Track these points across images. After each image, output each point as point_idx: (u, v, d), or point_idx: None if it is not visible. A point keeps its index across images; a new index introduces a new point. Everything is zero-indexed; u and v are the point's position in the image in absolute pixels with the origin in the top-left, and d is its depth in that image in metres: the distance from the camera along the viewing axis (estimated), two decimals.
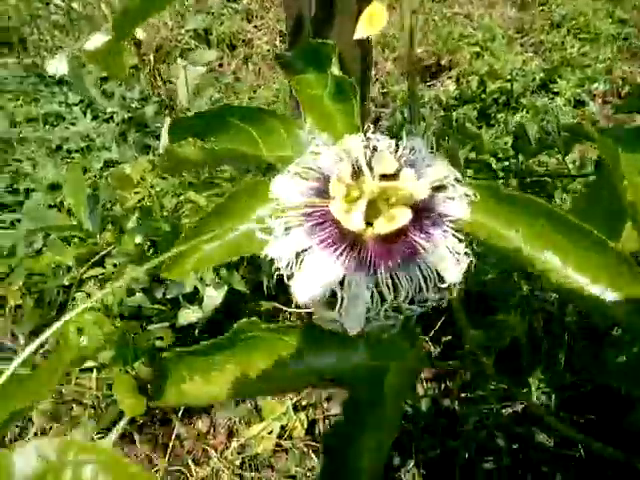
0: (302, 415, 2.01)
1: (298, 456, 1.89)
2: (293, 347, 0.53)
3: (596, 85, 2.88)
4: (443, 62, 3.03)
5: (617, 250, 0.43)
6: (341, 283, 0.47)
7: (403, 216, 0.48)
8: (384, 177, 0.52)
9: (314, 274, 0.47)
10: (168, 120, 2.08)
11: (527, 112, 2.69)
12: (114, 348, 1.82)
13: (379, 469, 0.46)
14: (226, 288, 1.95)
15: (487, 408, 1.71)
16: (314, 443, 1.89)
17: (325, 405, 2.06)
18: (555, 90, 2.82)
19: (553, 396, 1.65)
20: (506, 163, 2.49)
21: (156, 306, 1.96)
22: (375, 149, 0.56)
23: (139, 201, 2.09)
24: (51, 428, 1.86)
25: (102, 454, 0.36)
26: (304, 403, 2.07)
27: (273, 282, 1.94)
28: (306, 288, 0.47)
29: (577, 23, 3.07)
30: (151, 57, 1.96)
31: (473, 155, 2.21)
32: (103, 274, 1.88)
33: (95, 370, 1.86)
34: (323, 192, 0.53)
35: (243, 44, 3.39)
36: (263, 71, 3.22)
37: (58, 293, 2.04)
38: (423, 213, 0.50)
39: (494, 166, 2.35)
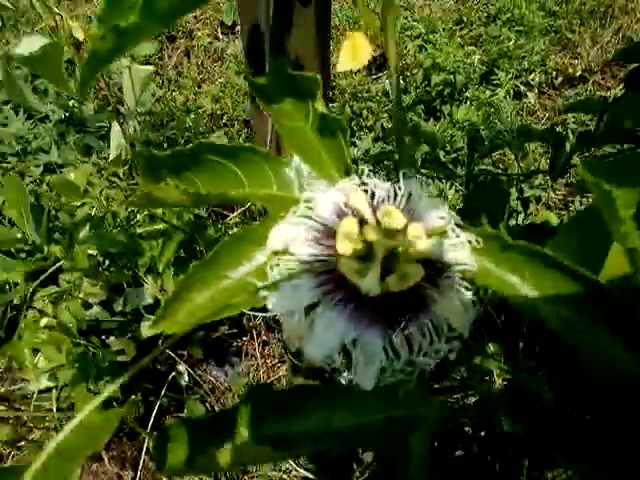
0: None
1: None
2: (300, 406, 0.52)
3: (532, 76, 3.02)
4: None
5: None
6: (353, 342, 0.45)
7: (416, 274, 0.47)
8: (391, 232, 0.51)
9: (325, 333, 0.45)
10: (116, 125, 1.99)
11: (471, 104, 2.78)
12: (74, 366, 1.76)
13: None
14: None
15: (453, 398, 1.79)
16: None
17: None
18: (495, 82, 2.92)
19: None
20: (454, 155, 2.57)
21: (116, 318, 1.89)
22: (373, 195, 0.54)
23: (89, 209, 2.00)
24: (10, 454, 1.78)
25: None
26: None
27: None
28: (319, 347, 0.45)
29: (512, 16, 3.18)
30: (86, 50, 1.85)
31: (425, 148, 2.27)
32: (57, 291, 1.80)
33: (55, 390, 1.78)
34: (326, 243, 0.50)
35: (183, 36, 3.28)
36: (206, 64, 3.13)
37: (5, 312, 1.93)
38: (430, 264, 0.49)
39: (443, 159, 2.42)
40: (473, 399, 1.88)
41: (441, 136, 2.63)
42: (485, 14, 3.26)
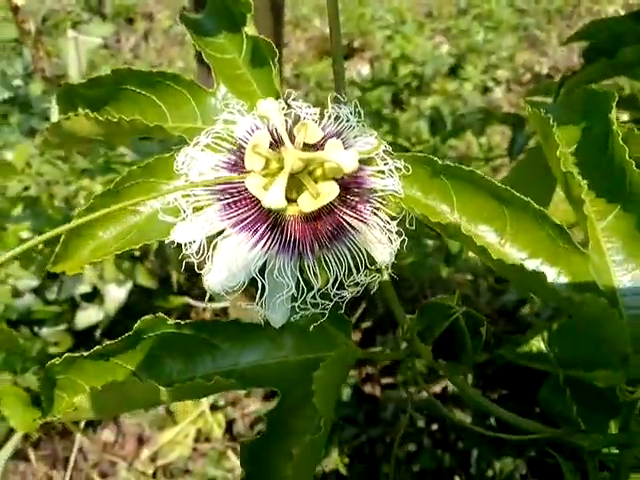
0: (219, 415, 1.91)
1: (216, 458, 1.78)
2: (207, 345, 0.45)
3: (500, 72, 2.98)
4: (356, 44, 2.99)
5: (555, 222, 0.40)
6: (261, 270, 0.41)
7: (330, 191, 0.42)
8: (308, 148, 0.45)
9: (229, 261, 0.41)
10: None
11: (439, 97, 2.72)
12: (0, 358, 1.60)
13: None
14: (130, 285, 1.78)
15: (407, 392, 1.71)
16: (233, 443, 1.80)
17: (244, 402, 1.97)
18: (463, 76, 2.87)
19: (470, 376, 1.67)
20: (420, 147, 2.50)
21: (50, 308, 1.74)
22: (297, 118, 0.49)
23: (25, 189, 1.85)
24: None
25: None
26: (221, 402, 1.96)
27: (184, 275, 1.80)
28: (221, 277, 0.41)
29: (482, 11, 3.15)
30: (32, 27, 1.71)
31: (389, 139, 2.19)
32: None
33: None
34: (238, 166, 0.45)
35: (142, 18, 3.14)
36: (165, 48, 3.00)
37: None
38: (351, 188, 0.45)
39: (409, 149, 2.35)
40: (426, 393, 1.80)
41: (407, 127, 2.55)
42: (455, 8, 3.22)
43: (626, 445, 0.45)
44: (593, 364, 0.52)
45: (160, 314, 0.44)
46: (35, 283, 1.72)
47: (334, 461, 1.71)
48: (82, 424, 1.71)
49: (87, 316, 1.73)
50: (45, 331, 1.74)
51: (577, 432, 0.46)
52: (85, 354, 0.44)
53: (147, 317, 0.44)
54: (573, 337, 0.57)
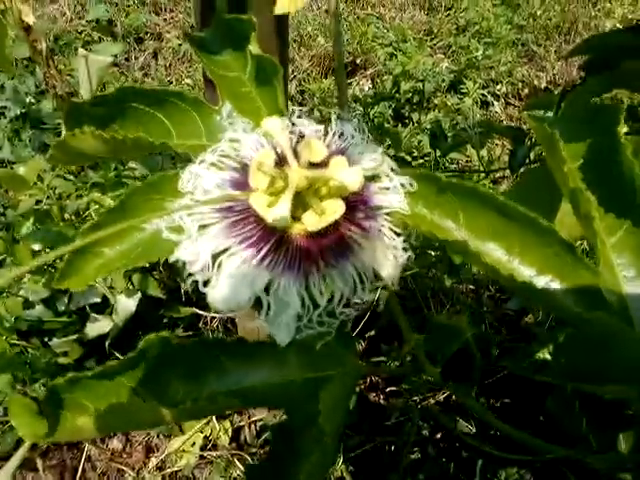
0: (226, 423, 1.93)
1: (223, 466, 1.80)
2: (212, 364, 0.46)
3: (499, 87, 3.04)
4: (358, 61, 3.05)
5: (563, 239, 0.40)
6: (266, 289, 0.41)
7: (335, 209, 0.42)
8: (312, 166, 0.46)
9: (234, 279, 0.41)
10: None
11: (439, 112, 2.78)
12: (9, 368, 1.64)
13: None
14: (139, 295, 1.81)
15: (412, 400, 1.73)
16: (240, 452, 1.81)
17: (250, 410, 1.99)
18: (463, 91, 2.93)
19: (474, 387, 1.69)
20: (421, 160, 2.55)
21: (60, 319, 1.78)
22: (302, 135, 0.51)
23: (36, 203, 1.90)
24: None
25: None
26: (228, 410, 1.98)
27: (192, 286, 1.83)
28: (225, 295, 0.40)
29: (481, 28, 3.21)
30: (43, 46, 1.77)
31: (391, 152, 2.24)
32: None
33: None
34: (243, 184, 0.46)
35: (151, 38, 3.22)
36: (174, 66, 3.07)
37: None
38: (356, 206, 0.45)
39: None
40: (433, 400, 1.82)
41: (409, 141, 2.60)
42: (454, 26, 3.29)
43: None
44: (602, 377, 0.49)
45: (163, 333, 0.45)
46: (46, 294, 1.76)
47: (339, 469, 1.73)
48: None
49: (97, 326, 1.77)
50: (55, 341, 1.77)
51: (591, 452, 0.45)
52: (89, 374, 0.44)
53: (151, 336, 0.44)
54: (580, 349, 0.55)
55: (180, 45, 3.19)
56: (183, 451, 1.83)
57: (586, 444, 0.52)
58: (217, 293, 0.41)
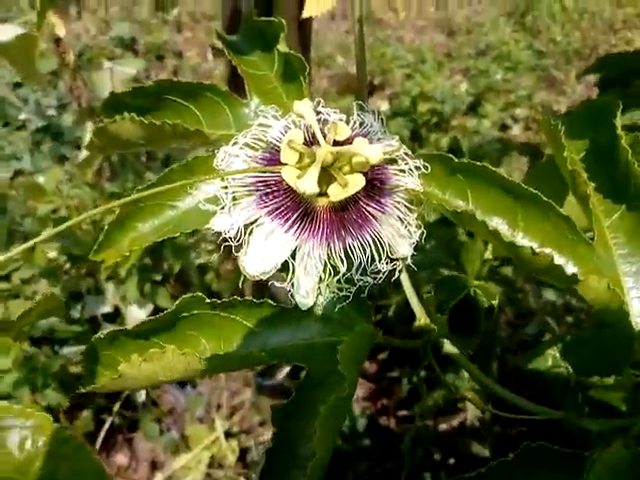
0: (234, 442, 1.89)
1: None
2: (241, 325, 0.49)
3: (518, 111, 3.03)
4: (376, 82, 3.07)
5: (562, 214, 0.44)
6: (292, 255, 0.45)
7: (357, 182, 0.46)
8: (337, 145, 0.49)
9: (264, 245, 0.45)
10: (90, 124, 1.92)
11: (457, 133, 2.77)
12: (21, 374, 1.62)
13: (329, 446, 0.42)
14: (151, 306, 1.80)
15: (423, 425, 1.68)
16: (247, 471, 1.77)
17: (258, 430, 1.95)
18: (482, 114, 2.93)
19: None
20: None
21: (72, 327, 1.77)
22: (327, 122, 0.53)
23: (54, 212, 1.91)
24: None
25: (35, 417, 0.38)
26: (235, 429, 1.94)
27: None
28: (256, 260, 0.45)
29: (500, 52, 3.23)
30: (72, 58, 1.81)
31: None
32: (9, 290, 1.68)
33: None
34: (274, 162, 0.49)
35: (172, 55, 3.28)
36: None
37: None
38: (375, 185, 0.49)
39: None
40: (445, 425, 1.77)
41: None
42: (474, 49, 3.31)
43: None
44: (601, 370, 0.54)
45: (198, 293, 0.47)
46: (57, 296, 1.76)
47: None
48: (97, 446, 1.71)
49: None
50: (66, 350, 1.76)
51: (582, 416, 0.47)
52: (128, 329, 0.46)
53: (186, 296, 0.47)
54: (587, 347, 0.59)
55: (199, 64, 3.24)
56: (189, 468, 1.79)
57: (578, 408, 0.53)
58: (248, 259, 0.45)
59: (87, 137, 1.94)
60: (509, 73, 3.15)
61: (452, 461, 1.64)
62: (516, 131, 2.91)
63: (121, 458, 1.82)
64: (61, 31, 1.79)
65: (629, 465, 0.40)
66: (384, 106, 2.96)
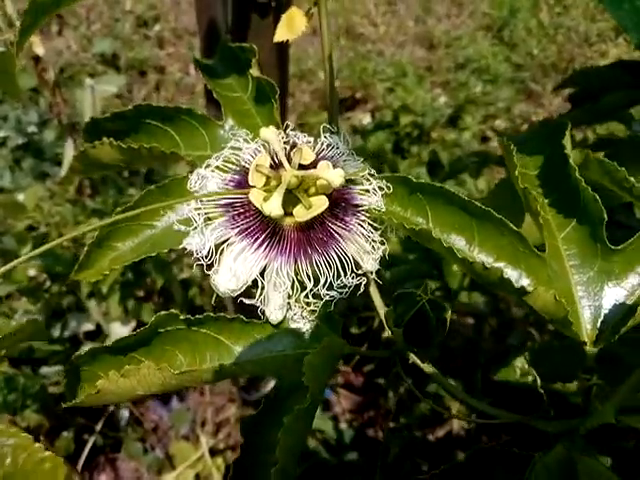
0: (219, 460, 1.87)
1: None
2: (214, 339, 0.51)
3: (498, 122, 3.08)
4: (358, 96, 3.11)
5: (515, 230, 0.46)
6: (262, 272, 0.48)
7: (321, 204, 0.49)
8: (302, 168, 0.52)
9: (234, 264, 0.48)
10: (70, 141, 1.92)
11: (438, 145, 2.80)
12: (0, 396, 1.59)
13: (295, 451, 0.44)
14: (134, 323, 1.79)
15: (410, 437, 1.68)
16: None
17: None
18: (462, 126, 2.97)
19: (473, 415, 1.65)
20: None
21: (52, 347, 1.75)
22: (294, 145, 0.56)
23: (33, 229, 1.90)
24: None
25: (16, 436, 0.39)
26: (221, 446, 1.93)
27: (185, 311, 1.81)
28: (227, 278, 0.47)
29: (479, 65, 3.28)
30: (51, 75, 1.80)
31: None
32: None
33: None
34: (243, 184, 0.52)
35: (154, 71, 3.29)
36: (176, 98, 3.12)
37: None
38: (340, 204, 0.52)
39: None
40: (432, 436, 1.77)
41: (407, 172, 2.62)
42: (453, 63, 3.36)
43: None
44: (562, 377, 0.58)
45: (173, 311, 0.49)
46: (40, 320, 1.73)
47: None
48: (79, 466, 1.68)
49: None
50: (46, 370, 1.74)
51: (541, 417, 0.49)
52: (108, 346, 0.49)
53: (162, 313, 0.49)
54: (551, 356, 0.63)
55: (181, 79, 3.25)
56: None
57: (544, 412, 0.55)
58: (220, 277, 0.48)
59: (68, 154, 1.94)
60: (488, 86, 3.21)
61: (436, 471, 1.64)
62: (496, 143, 2.96)
63: (104, 479, 1.79)
64: (39, 50, 1.79)
65: (562, 465, 0.42)
66: (366, 119, 3.00)
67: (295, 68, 3.20)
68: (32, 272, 1.80)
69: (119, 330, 1.77)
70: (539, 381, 0.55)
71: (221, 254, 0.48)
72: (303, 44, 3.29)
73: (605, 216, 0.49)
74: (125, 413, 1.80)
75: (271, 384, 1.71)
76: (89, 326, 1.77)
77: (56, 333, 1.75)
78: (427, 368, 0.52)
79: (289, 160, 0.50)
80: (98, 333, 1.78)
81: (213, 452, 1.87)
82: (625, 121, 1.26)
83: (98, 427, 1.72)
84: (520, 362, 0.58)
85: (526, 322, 1.99)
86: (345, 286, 0.47)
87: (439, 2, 3.89)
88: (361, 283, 0.47)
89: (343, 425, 1.92)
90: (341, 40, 3.54)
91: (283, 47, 1.46)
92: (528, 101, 3.24)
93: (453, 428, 1.77)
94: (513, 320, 1.96)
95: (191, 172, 0.55)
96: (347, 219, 0.50)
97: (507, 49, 3.48)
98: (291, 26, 0.75)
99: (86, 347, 1.59)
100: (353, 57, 3.34)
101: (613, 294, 0.48)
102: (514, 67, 3.39)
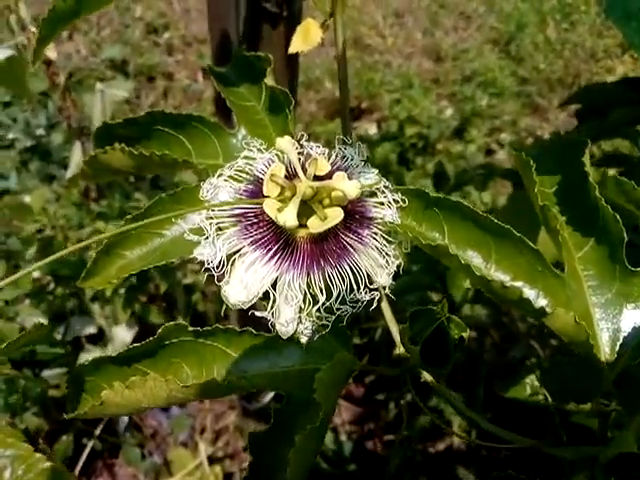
0: (217, 468, 1.86)
1: None
2: (222, 352, 0.50)
3: (503, 135, 3.08)
4: (364, 106, 3.12)
5: (533, 248, 0.45)
6: (273, 285, 0.47)
7: (336, 216, 0.48)
8: (317, 179, 0.51)
9: (246, 275, 0.46)
10: (78, 144, 1.93)
11: (443, 157, 2.81)
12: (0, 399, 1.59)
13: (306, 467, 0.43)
14: (137, 328, 1.79)
15: (410, 450, 1.67)
16: None
17: (242, 455, 1.92)
18: (467, 139, 2.98)
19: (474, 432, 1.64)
20: None
21: (54, 350, 1.74)
22: (309, 155, 0.55)
23: (39, 231, 1.90)
24: None
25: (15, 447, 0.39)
26: (220, 454, 1.91)
27: (188, 320, 1.81)
28: (238, 289, 0.46)
29: (486, 78, 3.30)
30: (62, 79, 1.82)
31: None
32: None
33: None
34: (256, 194, 0.51)
35: (163, 77, 3.31)
36: (183, 104, 3.14)
37: None
38: (354, 216, 0.51)
39: None
40: (433, 449, 1.76)
41: (412, 184, 2.63)
42: (460, 75, 3.38)
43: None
44: (577, 396, 0.55)
45: (181, 322, 0.47)
46: (46, 324, 1.73)
47: None
48: (77, 471, 1.67)
49: (90, 357, 1.73)
50: (47, 373, 1.73)
51: (558, 443, 0.48)
52: (112, 356, 0.47)
53: (169, 324, 0.47)
54: (563, 374, 0.60)
55: (189, 85, 3.27)
56: None
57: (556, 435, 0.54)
58: (230, 288, 0.46)
59: (75, 158, 1.94)
60: (494, 99, 3.22)
61: None
62: (501, 155, 2.96)
63: None
64: (52, 54, 1.80)
65: None
66: (372, 130, 3.00)
67: (302, 77, 3.21)
68: (36, 274, 1.80)
69: (122, 334, 1.77)
70: (550, 399, 0.54)
71: (232, 265, 0.47)
72: (310, 53, 3.31)
73: (625, 236, 0.48)
74: (124, 418, 1.79)
75: (271, 393, 1.70)
76: (92, 329, 1.76)
77: (58, 336, 1.74)
78: (437, 385, 0.51)
79: (304, 171, 0.50)
80: (100, 336, 1.78)
81: (211, 460, 1.86)
82: (630, 137, 1.27)
83: (97, 432, 1.71)
84: (529, 379, 0.57)
85: (529, 335, 1.98)
86: (358, 300, 0.46)
87: (447, 15, 3.92)
88: (374, 298, 0.46)
89: (343, 437, 1.90)
90: (349, 51, 3.55)
91: (293, 57, 1.47)
92: (534, 115, 3.25)
93: (454, 442, 1.76)
94: (516, 333, 1.95)
95: (200, 180, 0.54)
96: (361, 232, 0.49)
97: (514, 63, 3.49)
98: (306, 37, 0.75)
99: (87, 351, 1.57)
100: (360, 67, 3.36)
101: (632, 317, 0.46)
102: (520, 81, 3.40)
